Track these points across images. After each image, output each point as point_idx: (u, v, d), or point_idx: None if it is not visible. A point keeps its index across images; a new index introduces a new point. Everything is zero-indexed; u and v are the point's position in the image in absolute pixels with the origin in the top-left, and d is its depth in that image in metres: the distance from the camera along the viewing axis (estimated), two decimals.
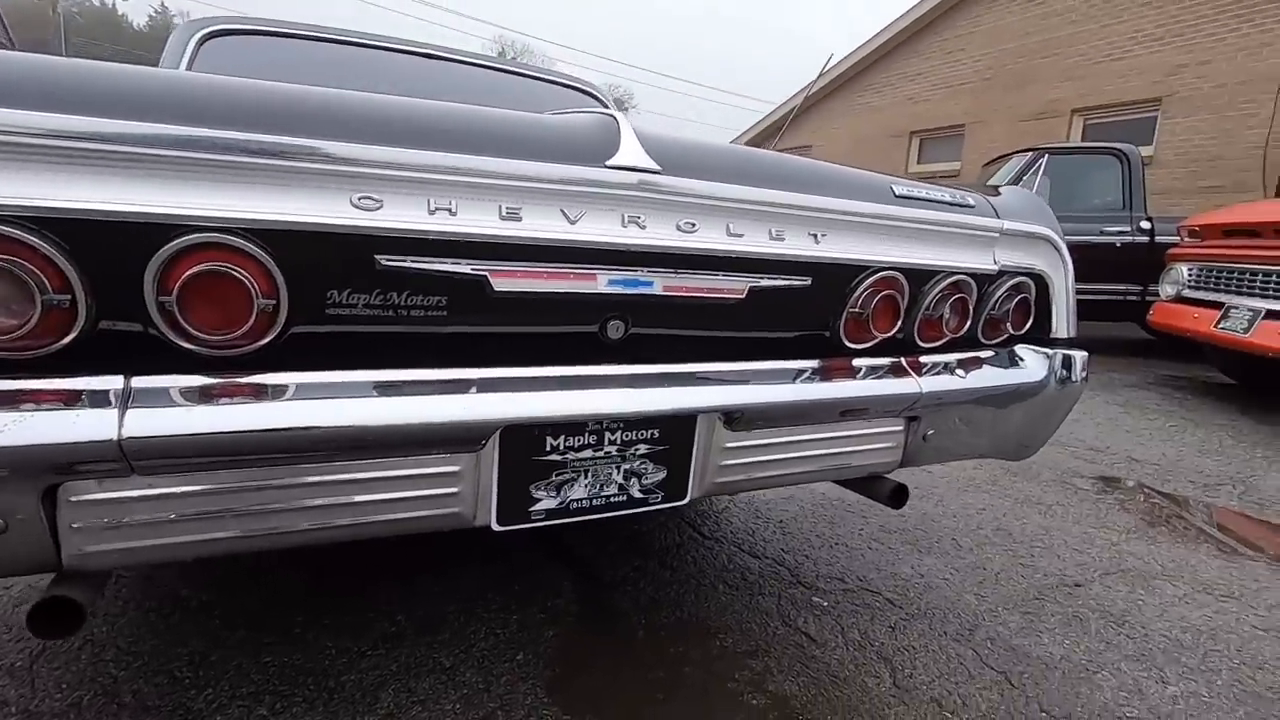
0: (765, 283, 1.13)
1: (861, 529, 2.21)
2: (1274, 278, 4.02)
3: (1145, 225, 6.05)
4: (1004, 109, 11.51)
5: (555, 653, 1.47)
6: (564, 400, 0.99)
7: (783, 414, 1.17)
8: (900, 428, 1.37)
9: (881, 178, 1.31)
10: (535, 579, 1.76)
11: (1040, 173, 6.29)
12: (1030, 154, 6.49)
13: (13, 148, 0.70)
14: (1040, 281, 1.46)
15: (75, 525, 0.79)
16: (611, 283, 1.00)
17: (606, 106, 2.77)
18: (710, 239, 1.06)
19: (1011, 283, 1.42)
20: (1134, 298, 6.06)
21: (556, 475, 1.07)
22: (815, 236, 1.16)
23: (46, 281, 0.73)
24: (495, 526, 1.04)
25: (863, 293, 1.24)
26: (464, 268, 0.91)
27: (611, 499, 1.13)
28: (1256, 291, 4.13)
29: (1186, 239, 4.94)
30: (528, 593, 1.69)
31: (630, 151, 0.99)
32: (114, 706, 1.22)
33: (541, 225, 0.94)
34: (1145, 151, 10.18)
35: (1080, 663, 1.54)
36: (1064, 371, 1.48)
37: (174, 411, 0.78)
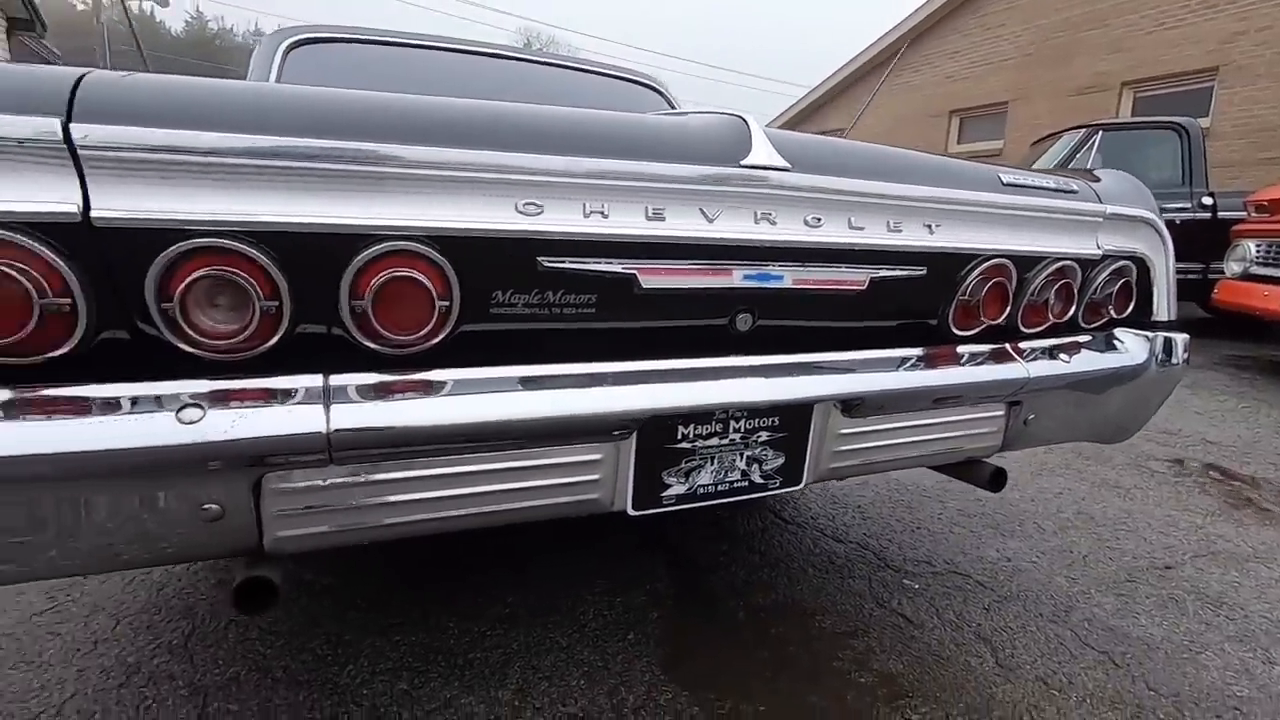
0: (884, 273, 1.16)
1: (940, 513, 2.23)
2: None
3: (1207, 201, 5.87)
4: (1048, 84, 11.21)
5: (663, 633, 1.53)
6: (700, 391, 1.04)
7: (899, 400, 1.21)
8: (1002, 413, 1.39)
9: (988, 167, 1.32)
10: (632, 564, 1.83)
11: (1094, 150, 6.14)
12: (1083, 131, 6.34)
13: (234, 169, 0.77)
14: (1141, 264, 1.47)
15: (276, 511, 0.87)
16: (746, 277, 1.04)
17: (672, 102, 2.80)
18: (835, 233, 1.09)
19: (1114, 267, 1.42)
20: (1195, 276, 5.89)
21: (686, 462, 1.12)
22: (930, 227, 1.19)
23: (261, 290, 0.80)
24: (631, 511, 1.09)
25: (973, 280, 1.26)
26: (615, 266, 0.96)
27: (735, 484, 1.17)
28: None
29: (1254, 214, 4.80)
30: (627, 577, 1.76)
31: (762, 150, 1.03)
32: (269, 680, 1.32)
33: (684, 225, 0.98)
34: (1201, 123, 9.85)
35: (1182, 643, 1.55)
36: (1164, 354, 1.48)
37: (369, 406, 0.85)
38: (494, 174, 0.88)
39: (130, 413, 0.77)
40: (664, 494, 1.12)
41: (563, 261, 0.93)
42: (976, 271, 1.26)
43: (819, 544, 2.00)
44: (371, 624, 1.52)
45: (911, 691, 1.37)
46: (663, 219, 0.97)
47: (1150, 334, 1.50)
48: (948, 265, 1.24)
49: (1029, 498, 2.38)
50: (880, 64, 14.18)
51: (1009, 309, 1.33)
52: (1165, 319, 1.51)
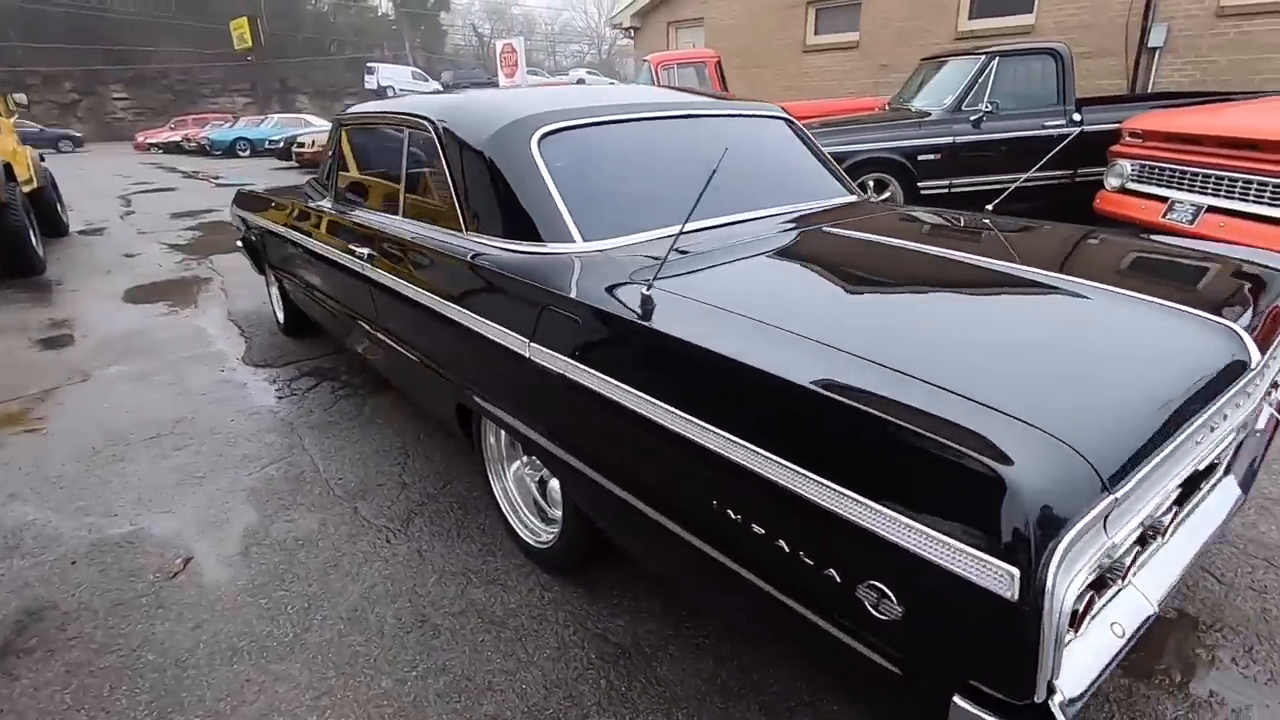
0: None
1: None
2: (1213, 180, 5.15)
3: (1076, 117, 7.11)
4: None
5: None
6: None
7: None
8: None
9: None
10: None
11: (993, 76, 7.10)
12: (982, 58, 7.23)
13: None
14: None
15: None
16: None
17: (798, 129, 3.14)
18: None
19: None
20: (1065, 180, 7.26)
21: None
22: None
23: None
24: None
25: None
26: None
27: None
28: (1198, 189, 5.27)
29: (1129, 139, 6.00)
30: None
31: (1255, 358, 1.59)
32: None
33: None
34: (1025, 21, 11.28)
35: None
36: None
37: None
38: None
39: None
40: None
41: None
42: None
43: None
44: None
45: None
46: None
47: None
48: None
49: None
50: None
51: None
52: None
